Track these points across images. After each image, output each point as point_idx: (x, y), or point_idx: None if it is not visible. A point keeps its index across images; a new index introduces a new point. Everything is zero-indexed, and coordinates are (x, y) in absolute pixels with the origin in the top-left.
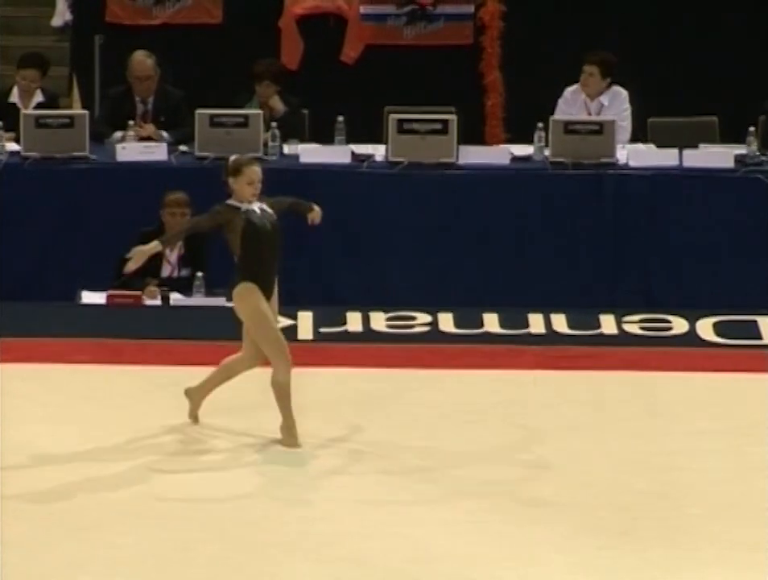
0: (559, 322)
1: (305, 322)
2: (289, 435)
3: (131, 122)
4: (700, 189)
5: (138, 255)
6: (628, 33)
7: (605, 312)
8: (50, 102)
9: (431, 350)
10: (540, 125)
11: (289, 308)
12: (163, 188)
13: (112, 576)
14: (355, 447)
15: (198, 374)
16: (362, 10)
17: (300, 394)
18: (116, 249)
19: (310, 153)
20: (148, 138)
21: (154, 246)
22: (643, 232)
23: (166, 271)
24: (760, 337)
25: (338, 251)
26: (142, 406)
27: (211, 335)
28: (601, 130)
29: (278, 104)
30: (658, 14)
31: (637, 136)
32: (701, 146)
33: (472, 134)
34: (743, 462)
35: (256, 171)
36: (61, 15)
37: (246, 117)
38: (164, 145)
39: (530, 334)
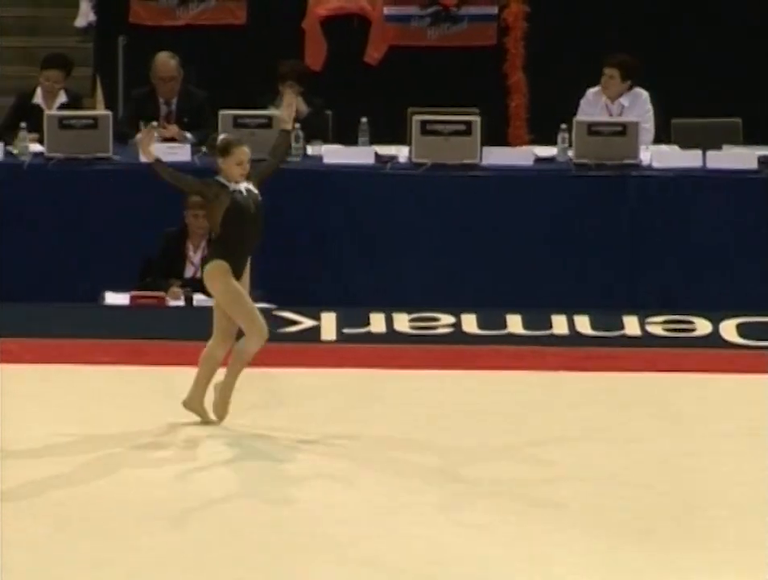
0: (583, 323)
1: (329, 323)
2: (219, 407)
3: (155, 123)
4: (724, 190)
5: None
6: (651, 34)
7: (628, 313)
8: (73, 103)
9: (454, 351)
10: (563, 126)
11: (312, 308)
12: None
13: (133, 578)
14: (374, 448)
15: (220, 374)
16: (386, 11)
17: (323, 395)
18: (139, 250)
19: (333, 154)
20: (172, 139)
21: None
22: (666, 233)
23: (189, 272)
24: None
25: (362, 252)
26: (163, 407)
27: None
28: (625, 131)
29: (301, 105)
30: (681, 15)
31: (661, 137)
32: (725, 147)
33: (496, 136)
34: (765, 464)
35: (245, 151)
36: (85, 16)
37: (270, 118)
38: (188, 146)
39: (553, 335)
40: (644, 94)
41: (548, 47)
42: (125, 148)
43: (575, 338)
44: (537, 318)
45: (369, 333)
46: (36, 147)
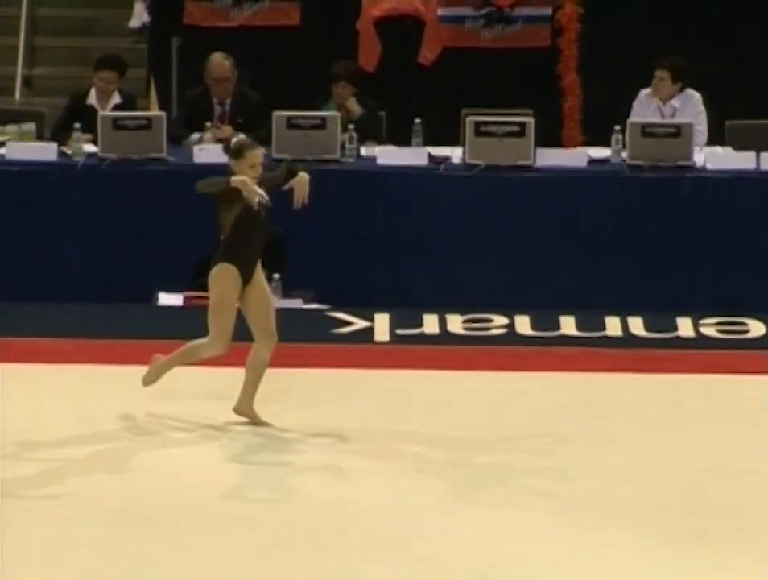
0: (636, 325)
1: (382, 324)
2: (155, 373)
3: (208, 124)
4: None
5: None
6: (705, 34)
7: (682, 314)
8: (127, 104)
9: (507, 353)
10: (617, 127)
11: (366, 309)
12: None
13: (191, 578)
14: (426, 449)
15: (274, 375)
16: (440, 12)
17: (375, 396)
18: (192, 251)
19: (387, 155)
20: (225, 140)
21: (235, 181)
22: (720, 234)
23: None
24: None
25: (414, 253)
26: (215, 406)
27: (287, 337)
28: (679, 132)
29: (355, 106)
30: (734, 15)
31: (714, 139)
32: None
33: (550, 137)
34: None
35: (258, 154)
36: (139, 17)
37: (324, 118)
38: None
39: (606, 337)
40: (696, 96)
41: (602, 48)
42: (179, 149)
43: (628, 340)
44: (590, 319)
45: (423, 334)
46: (90, 148)
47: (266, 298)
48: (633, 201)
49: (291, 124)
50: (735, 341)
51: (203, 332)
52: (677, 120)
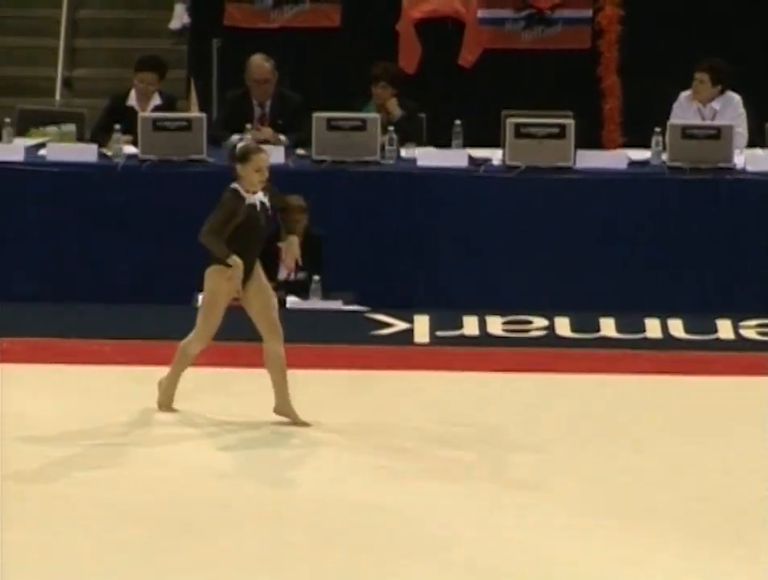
0: (676, 327)
1: (422, 326)
2: (165, 394)
3: (249, 126)
4: None
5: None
6: (744, 36)
7: (722, 316)
8: (167, 105)
9: (547, 355)
10: (657, 129)
11: (405, 311)
12: (280, 191)
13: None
14: (463, 451)
15: (313, 376)
16: (480, 14)
17: (415, 397)
18: None
19: (427, 157)
20: (266, 142)
21: (234, 262)
22: (760, 237)
23: (282, 274)
24: None
25: (454, 255)
26: (254, 407)
27: (327, 338)
28: (719, 134)
29: (395, 108)
30: None
31: (754, 141)
32: None
33: (590, 139)
34: None
35: (264, 158)
36: (179, 18)
37: (364, 120)
38: (282, 148)
39: (646, 339)
40: (736, 98)
41: (642, 50)
42: (219, 150)
43: (668, 342)
44: (630, 321)
45: (463, 336)
46: (130, 149)
47: (267, 293)
48: (673, 203)
49: (331, 126)
50: None
51: (241, 332)
52: (717, 122)
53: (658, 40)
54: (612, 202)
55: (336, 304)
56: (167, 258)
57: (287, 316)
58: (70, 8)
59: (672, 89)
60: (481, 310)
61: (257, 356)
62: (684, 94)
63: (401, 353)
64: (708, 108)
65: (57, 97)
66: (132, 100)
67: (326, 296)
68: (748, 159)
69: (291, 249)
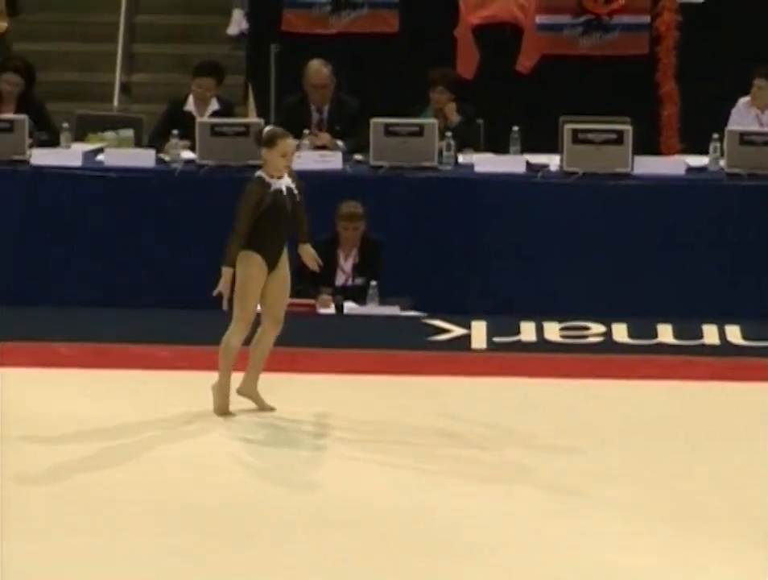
0: (734, 333)
1: (479, 332)
2: (221, 395)
3: (306, 131)
4: None
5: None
6: None
7: None
8: (225, 111)
9: (604, 361)
10: (716, 135)
11: (463, 317)
12: (337, 197)
13: None
14: (515, 456)
15: (371, 381)
16: (538, 19)
17: (472, 404)
18: (290, 257)
19: (485, 163)
20: (323, 147)
21: (226, 272)
22: None
23: (340, 280)
24: None
25: (512, 261)
26: (313, 412)
27: (384, 344)
28: None
29: (453, 113)
30: None
31: None
32: None
33: (648, 145)
34: None
35: (290, 144)
36: (237, 24)
37: (421, 126)
38: (339, 154)
39: (704, 345)
40: None
41: (700, 56)
42: None
43: (725, 348)
44: (688, 328)
45: (520, 342)
46: (188, 154)
47: (286, 288)
48: (731, 209)
49: (389, 131)
50: None
51: (298, 338)
52: None
53: (716, 46)
54: (669, 208)
55: (394, 310)
56: None
57: (345, 322)
58: (128, 13)
59: (730, 95)
60: (539, 316)
61: (286, 361)
62: (743, 100)
63: (458, 359)
64: (767, 114)
65: (115, 102)
66: (190, 105)
67: (383, 301)
68: None
69: (306, 255)
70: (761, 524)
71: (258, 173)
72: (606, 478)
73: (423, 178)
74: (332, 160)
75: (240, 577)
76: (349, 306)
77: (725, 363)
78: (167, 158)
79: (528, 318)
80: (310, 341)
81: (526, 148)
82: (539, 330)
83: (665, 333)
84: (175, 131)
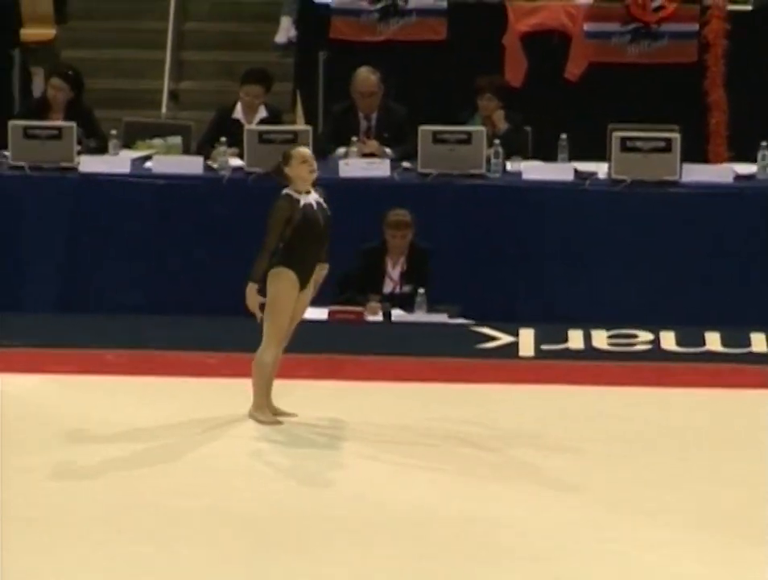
0: None
1: (527, 339)
2: (262, 413)
3: (354, 138)
4: None
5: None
6: None
7: None
8: (273, 118)
9: (652, 369)
10: (764, 143)
11: (511, 324)
12: (385, 205)
13: None
14: (562, 463)
15: (418, 389)
16: (586, 27)
17: (520, 411)
18: (338, 265)
19: (533, 170)
20: (371, 155)
21: (251, 288)
22: None
23: (388, 287)
24: None
25: (560, 268)
26: (360, 419)
27: (432, 351)
28: None
29: (501, 120)
30: None
31: None
32: None
33: (696, 153)
34: None
35: (305, 150)
36: (285, 32)
37: (469, 133)
38: (387, 161)
39: (752, 353)
40: None
41: (748, 64)
42: (325, 163)
43: None
44: (736, 336)
45: (568, 350)
46: (236, 162)
47: (304, 310)
48: None
49: (437, 139)
50: None
51: (346, 345)
52: None
53: (764, 54)
54: (717, 216)
55: (442, 318)
56: None
57: (393, 330)
58: (177, 21)
59: None
60: (586, 324)
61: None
62: None
63: (506, 366)
64: None
65: (163, 109)
66: (238, 113)
67: (431, 309)
68: None
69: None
70: None
71: (286, 190)
72: (653, 486)
73: (470, 186)
74: (379, 168)
75: None
76: (397, 314)
77: None
78: (215, 165)
79: (576, 326)
80: (358, 348)
81: (574, 156)
82: (587, 338)
83: (713, 341)
84: (223, 139)
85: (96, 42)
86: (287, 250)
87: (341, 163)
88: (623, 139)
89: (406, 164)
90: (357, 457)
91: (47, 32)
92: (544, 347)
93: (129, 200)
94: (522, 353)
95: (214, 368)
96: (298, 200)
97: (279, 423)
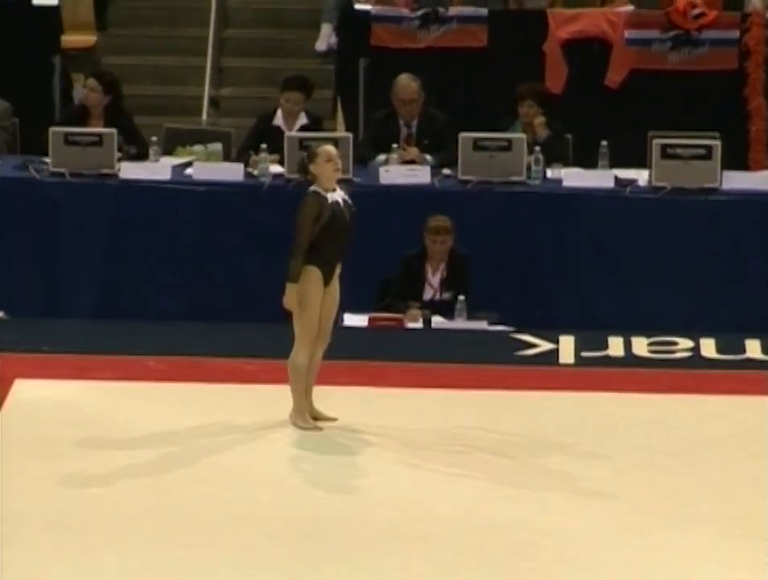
0: None
1: (567, 346)
2: (302, 418)
3: (395, 145)
4: None
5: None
6: None
7: None
8: (314, 125)
9: (692, 376)
10: None
11: (551, 331)
12: (426, 211)
13: None
14: (604, 471)
15: (459, 396)
16: (627, 34)
17: (560, 418)
18: (378, 271)
19: (573, 177)
20: (412, 162)
21: (290, 288)
22: None
23: (428, 294)
24: None
25: (600, 276)
26: (399, 426)
27: (472, 358)
28: None
29: (541, 128)
30: None
31: None
32: None
33: (736, 160)
34: None
35: (330, 149)
36: (326, 39)
37: (510, 140)
38: (428, 168)
39: None
40: None
41: None
42: (366, 170)
43: None
44: None
45: (608, 357)
46: (276, 169)
47: (336, 303)
48: None
49: (478, 146)
50: None
51: (386, 352)
52: None
53: None
54: (758, 223)
55: (481, 324)
56: None
57: (433, 336)
58: (217, 27)
59: None
60: (627, 331)
61: (374, 375)
62: None
63: (545, 373)
64: None
65: (204, 116)
66: (278, 119)
67: (471, 315)
68: None
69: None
70: None
71: (312, 188)
72: (693, 495)
73: (511, 193)
74: (420, 175)
75: None
76: (437, 320)
77: None
78: (255, 172)
79: (616, 333)
80: (398, 355)
81: (615, 163)
82: (627, 345)
83: (753, 349)
84: (263, 145)
85: (136, 48)
86: (313, 247)
87: (382, 170)
88: (663, 146)
89: (446, 171)
90: (395, 463)
91: (88, 39)
92: (584, 354)
93: (169, 207)
94: (562, 360)
95: (253, 375)
96: (326, 198)
97: (319, 429)
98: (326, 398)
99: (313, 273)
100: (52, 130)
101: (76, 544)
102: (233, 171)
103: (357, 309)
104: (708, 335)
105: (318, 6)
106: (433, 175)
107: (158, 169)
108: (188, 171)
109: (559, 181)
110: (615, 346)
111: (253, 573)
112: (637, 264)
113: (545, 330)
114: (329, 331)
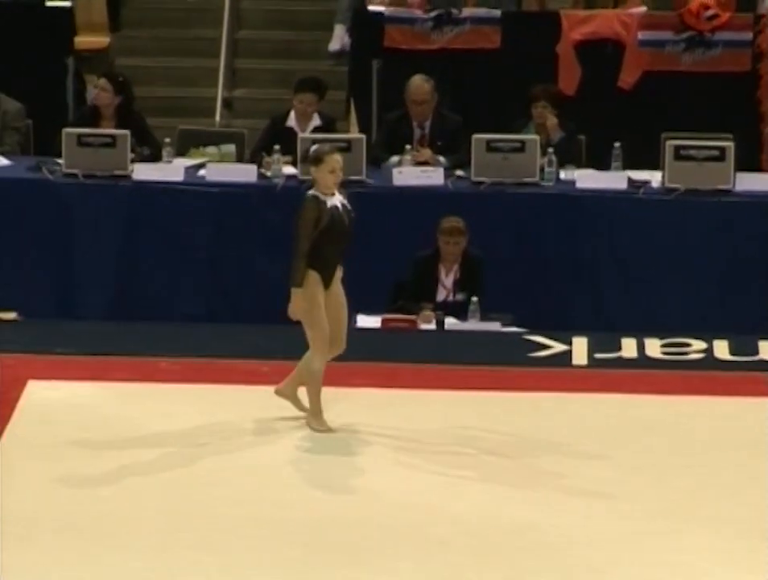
0: None
1: (580, 348)
2: (317, 421)
3: (408, 147)
4: None
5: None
6: None
7: None
8: (327, 126)
9: (706, 378)
10: None
11: (564, 333)
12: (439, 213)
13: None
14: (617, 473)
15: (472, 398)
16: (640, 36)
17: (572, 419)
18: (391, 273)
19: (586, 179)
20: (425, 163)
21: (295, 293)
22: None
23: (441, 296)
24: None
25: (613, 277)
26: (412, 427)
27: (485, 360)
28: None
29: (555, 130)
30: None
31: None
32: None
33: (749, 162)
34: None
35: (337, 159)
36: (339, 40)
37: (523, 142)
38: (441, 170)
39: None
40: None
41: None
42: (379, 171)
43: None
44: None
45: (621, 358)
46: (290, 170)
47: (342, 305)
48: None
49: (491, 147)
50: None
51: (399, 354)
52: None
53: None
54: None
55: (495, 326)
56: None
57: (446, 338)
58: (230, 29)
59: None
60: (640, 332)
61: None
62: None
63: (559, 375)
64: None
65: (217, 117)
66: (291, 121)
67: (484, 317)
68: None
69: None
70: None
71: (311, 191)
72: (708, 496)
73: (524, 194)
74: (433, 176)
75: None
76: (450, 322)
77: None
78: (268, 173)
79: (629, 334)
80: (410, 356)
81: (628, 164)
82: (641, 347)
83: (766, 350)
84: (276, 147)
85: (150, 50)
86: (314, 252)
87: (395, 171)
88: (677, 148)
89: (459, 173)
90: (408, 465)
91: (102, 40)
92: (597, 356)
93: (182, 209)
94: (575, 361)
95: (268, 376)
96: (325, 202)
97: (332, 431)
98: (340, 400)
99: (312, 277)
100: (65, 131)
101: (88, 546)
102: (246, 173)
103: (369, 311)
104: (721, 337)
105: (331, 8)
106: (446, 176)
107: (171, 170)
108: (201, 172)
109: (572, 183)
110: (628, 348)
111: (268, 573)
112: (650, 265)
113: (558, 332)
114: (344, 337)
